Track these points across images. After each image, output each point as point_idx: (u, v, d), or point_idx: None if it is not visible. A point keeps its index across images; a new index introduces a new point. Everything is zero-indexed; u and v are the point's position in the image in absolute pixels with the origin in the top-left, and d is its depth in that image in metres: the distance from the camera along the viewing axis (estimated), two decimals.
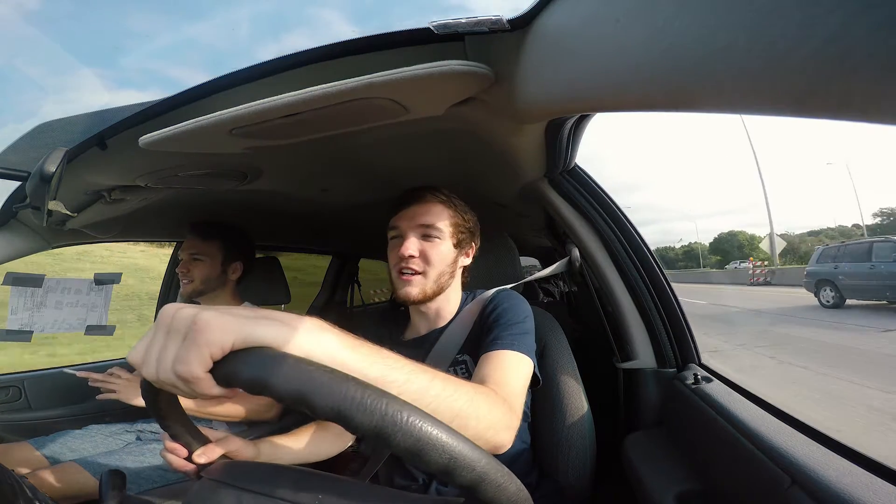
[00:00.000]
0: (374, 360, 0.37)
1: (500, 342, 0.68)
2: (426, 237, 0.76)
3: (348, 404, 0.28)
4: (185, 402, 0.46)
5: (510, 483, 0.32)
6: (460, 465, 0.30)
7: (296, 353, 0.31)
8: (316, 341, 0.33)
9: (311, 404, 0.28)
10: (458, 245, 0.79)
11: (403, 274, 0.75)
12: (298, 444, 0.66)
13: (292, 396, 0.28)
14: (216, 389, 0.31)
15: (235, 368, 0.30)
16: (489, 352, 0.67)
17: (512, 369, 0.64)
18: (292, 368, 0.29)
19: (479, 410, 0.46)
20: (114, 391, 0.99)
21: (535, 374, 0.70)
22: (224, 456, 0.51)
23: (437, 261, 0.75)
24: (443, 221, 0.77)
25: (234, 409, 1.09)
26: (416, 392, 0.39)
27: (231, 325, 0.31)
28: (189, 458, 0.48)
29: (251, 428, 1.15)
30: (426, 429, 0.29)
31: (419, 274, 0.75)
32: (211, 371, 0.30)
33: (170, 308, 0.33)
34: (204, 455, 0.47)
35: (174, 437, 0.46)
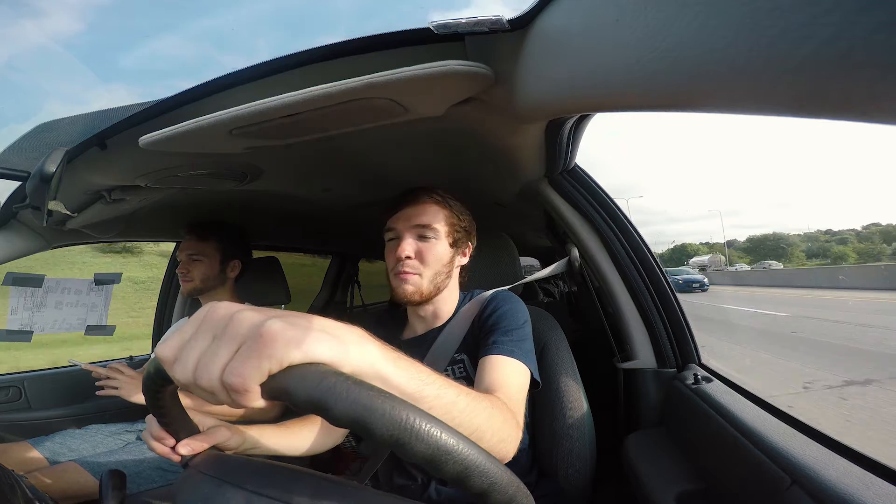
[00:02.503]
0: (412, 375, 0.37)
1: (501, 347, 0.69)
2: (422, 238, 0.77)
3: (407, 434, 0.28)
4: (184, 399, 0.46)
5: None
6: (497, 488, 0.32)
7: (347, 369, 0.30)
8: (363, 356, 0.32)
9: (369, 429, 0.27)
10: (454, 245, 0.80)
11: (400, 274, 0.76)
12: (285, 437, 0.65)
13: (350, 420, 0.27)
14: (259, 402, 0.28)
15: (290, 385, 0.28)
16: (490, 356, 0.68)
17: (514, 379, 0.66)
18: (353, 392, 0.28)
19: (495, 425, 0.48)
20: (115, 388, 0.99)
21: (534, 379, 0.70)
22: (214, 447, 0.50)
23: (433, 261, 0.76)
24: (438, 222, 0.77)
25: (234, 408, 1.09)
26: (445, 406, 0.40)
27: (297, 339, 0.29)
28: (174, 448, 0.47)
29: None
30: (473, 456, 0.30)
31: (416, 274, 0.76)
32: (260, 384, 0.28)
33: (220, 308, 0.30)
34: (188, 446, 0.46)
35: (164, 426, 0.46)
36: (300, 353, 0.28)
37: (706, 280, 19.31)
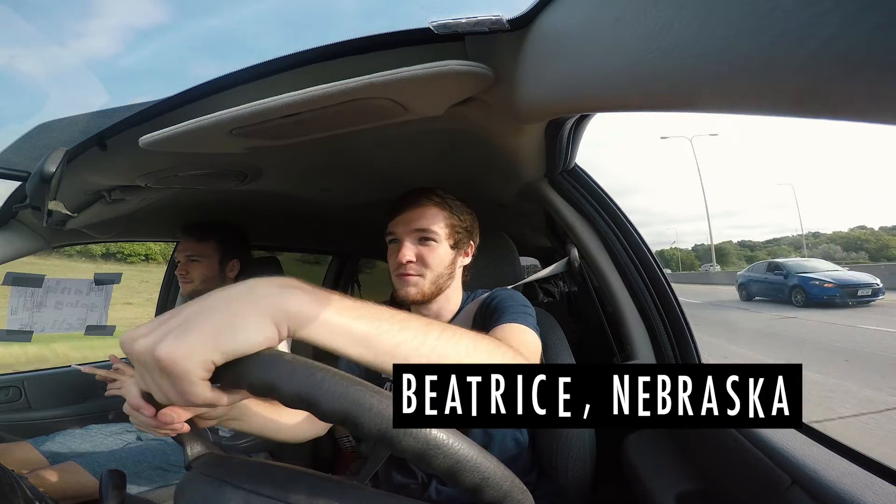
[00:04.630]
0: (360, 314, 0.34)
1: (505, 317, 0.69)
2: (423, 241, 0.77)
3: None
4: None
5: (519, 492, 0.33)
6: (490, 483, 0.31)
7: (281, 339, 0.31)
8: (288, 310, 0.31)
9: (357, 425, 0.28)
10: (456, 246, 0.80)
11: (402, 276, 0.77)
12: (271, 412, 0.63)
13: (339, 415, 0.28)
14: (227, 398, 0.32)
15: (237, 374, 0.29)
16: (498, 326, 0.68)
17: (526, 337, 0.66)
18: (341, 388, 0.28)
19: (481, 356, 0.44)
20: (119, 388, 0.99)
21: None
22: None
23: (434, 264, 0.77)
24: (438, 225, 0.77)
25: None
26: (413, 339, 0.37)
27: (198, 348, 0.29)
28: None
29: None
30: (463, 451, 0.30)
31: (418, 276, 0.76)
32: (217, 383, 0.30)
33: (125, 342, 0.32)
34: (169, 413, 0.40)
35: (146, 398, 0.44)
36: (217, 354, 0.29)
37: (879, 282, 9.27)
